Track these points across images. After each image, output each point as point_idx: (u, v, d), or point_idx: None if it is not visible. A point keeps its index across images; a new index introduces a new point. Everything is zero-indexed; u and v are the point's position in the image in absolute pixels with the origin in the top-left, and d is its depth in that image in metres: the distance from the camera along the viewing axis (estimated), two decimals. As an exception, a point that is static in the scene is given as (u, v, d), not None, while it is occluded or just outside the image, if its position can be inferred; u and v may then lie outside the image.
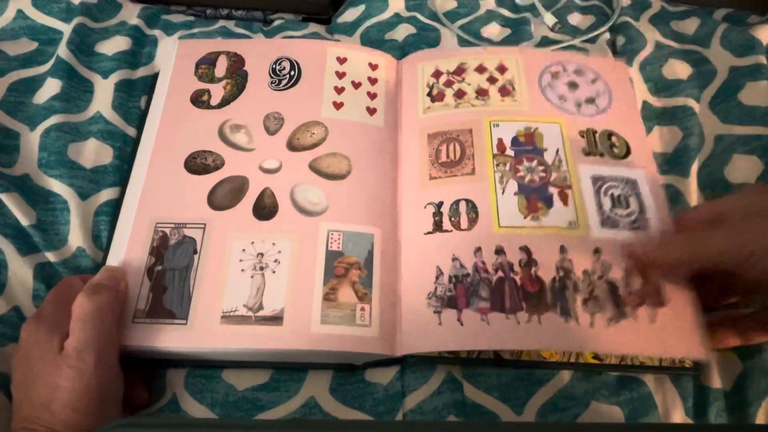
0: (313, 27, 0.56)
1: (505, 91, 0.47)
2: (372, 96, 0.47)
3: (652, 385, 0.39)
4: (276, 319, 0.37)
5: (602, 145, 0.45)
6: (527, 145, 0.44)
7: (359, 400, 0.38)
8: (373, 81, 0.48)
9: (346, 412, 0.38)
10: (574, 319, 0.37)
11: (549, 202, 0.42)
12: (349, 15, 0.57)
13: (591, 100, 0.47)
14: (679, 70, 0.51)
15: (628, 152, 0.45)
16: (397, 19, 0.56)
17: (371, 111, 0.47)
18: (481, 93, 0.47)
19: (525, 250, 0.40)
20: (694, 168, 0.46)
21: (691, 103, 0.49)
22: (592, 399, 0.38)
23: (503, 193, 0.42)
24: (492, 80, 0.48)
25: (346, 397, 0.38)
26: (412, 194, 0.43)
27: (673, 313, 0.37)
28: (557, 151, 0.44)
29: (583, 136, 0.45)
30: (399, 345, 0.38)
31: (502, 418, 0.38)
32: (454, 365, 0.39)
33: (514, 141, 0.45)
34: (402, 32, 0.55)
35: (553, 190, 0.42)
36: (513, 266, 0.39)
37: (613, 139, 0.45)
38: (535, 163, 0.43)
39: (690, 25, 0.55)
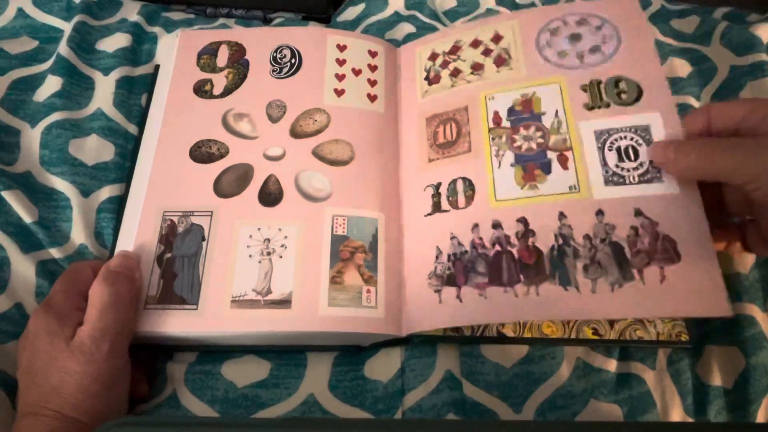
0: (313, 26, 0.57)
1: (500, 61, 0.46)
2: (372, 83, 0.48)
3: (651, 383, 0.39)
4: (285, 303, 0.38)
5: (608, 94, 0.42)
6: (524, 113, 0.43)
7: (359, 398, 0.38)
8: (372, 68, 0.48)
9: (345, 410, 0.38)
10: (575, 287, 0.36)
11: (547, 169, 0.40)
12: (349, 14, 0.57)
13: (596, 49, 0.44)
14: (679, 68, 0.51)
15: (639, 96, 0.41)
16: (396, 18, 0.56)
17: (372, 98, 0.47)
18: (476, 68, 0.46)
19: (522, 221, 0.39)
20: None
21: (692, 100, 0.49)
22: (591, 397, 0.38)
23: (499, 166, 0.41)
24: (487, 52, 0.47)
25: (345, 394, 0.39)
26: (412, 178, 0.44)
27: (687, 270, 0.35)
28: (556, 112, 0.42)
29: (585, 90, 0.42)
30: (404, 325, 0.39)
31: (501, 416, 0.38)
32: (461, 345, 0.40)
33: (511, 111, 0.43)
34: (402, 31, 0.55)
35: (552, 155, 0.41)
36: (510, 239, 0.39)
37: (622, 84, 0.42)
38: (532, 129, 0.42)
39: (690, 24, 0.55)
